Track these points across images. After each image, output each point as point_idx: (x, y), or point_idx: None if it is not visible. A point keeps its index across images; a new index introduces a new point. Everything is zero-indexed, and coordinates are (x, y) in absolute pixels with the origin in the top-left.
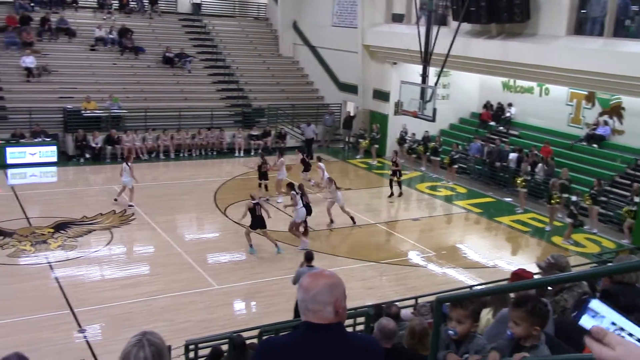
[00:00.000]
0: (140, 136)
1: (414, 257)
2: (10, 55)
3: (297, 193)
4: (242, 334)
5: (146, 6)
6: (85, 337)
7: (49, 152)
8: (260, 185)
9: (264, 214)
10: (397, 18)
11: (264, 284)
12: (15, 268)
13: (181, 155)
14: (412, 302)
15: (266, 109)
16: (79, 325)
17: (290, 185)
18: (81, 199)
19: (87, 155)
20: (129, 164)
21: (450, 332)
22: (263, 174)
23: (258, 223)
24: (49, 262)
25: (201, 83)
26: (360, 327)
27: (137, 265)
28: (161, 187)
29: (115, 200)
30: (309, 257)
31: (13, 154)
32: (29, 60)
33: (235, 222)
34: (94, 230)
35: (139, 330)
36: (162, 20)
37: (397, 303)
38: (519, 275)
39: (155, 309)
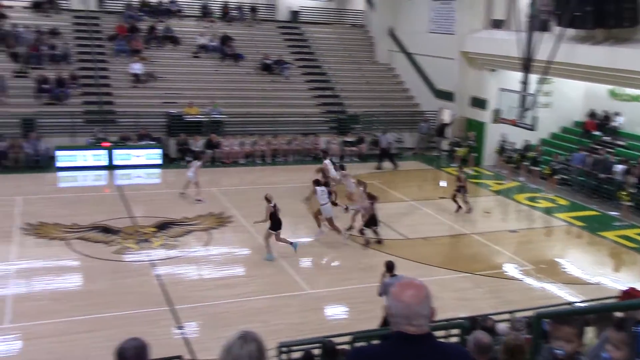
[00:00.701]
0: (239, 141)
1: (511, 269)
2: (120, 62)
3: (322, 189)
4: (333, 339)
5: (246, 14)
6: (183, 333)
7: (154, 155)
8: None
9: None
10: (497, 24)
11: (357, 290)
12: (120, 264)
13: (277, 160)
14: (507, 316)
15: (361, 116)
16: (178, 322)
17: (316, 182)
18: (182, 201)
19: (188, 158)
20: (199, 162)
21: (559, 351)
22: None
23: (278, 224)
24: (151, 260)
25: (298, 89)
26: (453, 340)
27: (233, 267)
28: (257, 191)
29: (182, 193)
30: (390, 267)
31: (120, 156)
32: (137, 67)
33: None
34: (193, 231)
35: (235, 330)
36: (261, 28)
37: (491, 317)
38: (630, 294)
39: (250, 310)
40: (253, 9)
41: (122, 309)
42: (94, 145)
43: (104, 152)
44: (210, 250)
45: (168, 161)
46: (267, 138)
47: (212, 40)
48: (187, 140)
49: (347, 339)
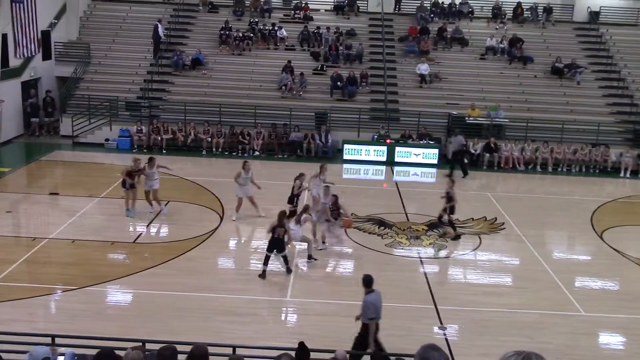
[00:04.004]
0: (519, 146)
1: None
2: (408, 63)
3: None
4: None
5: (540, 15)
6: (444, 334)
7: (431, 154)
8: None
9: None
10: None
11: None
12: (390, 257)
13: (559, 169)
14: None
15: None
16: (440, 322)
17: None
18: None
19: (466, 161)
20: None
21: None
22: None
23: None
24: (420, 257)
25: (590, 96)
26: None
27: (501, 275)
28: (534, 200)
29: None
30: (368, 283)
31: (400, 153)
32: (424, 68)
33: (612, 248)
34: (464, 233)
35: (496, 340)
36: (554, 30)
37: None
38: None
39: (515, 323)
40: (548, 10)
41: (388, 300)
42: (378, 141)
43: (386, 148)
44: (479, 255)
45: (445, 161)
46: (550, 145)
47: (501, 42)
48: (466, 142)
49: None
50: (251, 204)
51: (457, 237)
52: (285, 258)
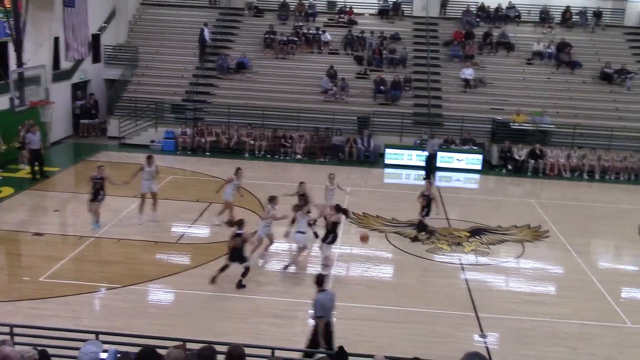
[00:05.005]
0: (565, 153)
1: None
2: (452, 67)
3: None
4: None
5: (590, 20)
6: (485, 342)
7: (475, 160)
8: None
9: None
10: None
11: None
12: (431, 263)
13: (607, 177)
14: None
15: None
16: (481, 330)
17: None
18: (498, 209)
19: (510, 167)
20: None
21: None
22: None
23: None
24: (461, 264)
25: None
26: None
27: (544, 284)
28: (581, 207)
29: None
30: (319, 282)
31: (442, 158)
32: (468, 72)
33: None
34: (507, 240)
35: (539, 350)
36: (604, 34)
37: None
38: None
39: (558, 333)
40: (597, 14)
41: (428, 306)
42: (420, 146)
43: (428, 153)
44: (521, 263)
45: (489, 167)
46: (598, 152)
47: (548, 47)
48: (510, 148)
49: None
50: (223, 209)
51: (421, 235)
52: (246, 270)
